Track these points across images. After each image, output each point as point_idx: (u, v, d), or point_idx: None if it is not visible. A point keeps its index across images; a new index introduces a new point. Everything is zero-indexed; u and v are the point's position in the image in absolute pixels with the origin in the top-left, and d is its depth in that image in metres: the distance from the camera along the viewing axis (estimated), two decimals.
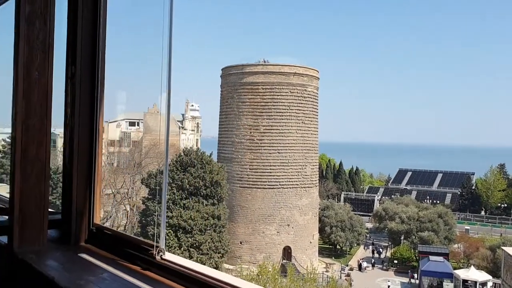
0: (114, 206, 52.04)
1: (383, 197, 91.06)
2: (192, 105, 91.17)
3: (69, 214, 2.79)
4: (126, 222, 53.63)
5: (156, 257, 2.27)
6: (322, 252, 58.88)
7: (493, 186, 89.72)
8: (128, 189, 53.55)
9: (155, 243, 2.28)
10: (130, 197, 53.21)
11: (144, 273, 2.29)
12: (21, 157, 2.57)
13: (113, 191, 52.15)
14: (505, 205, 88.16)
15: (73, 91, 2.75)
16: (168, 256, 2.30)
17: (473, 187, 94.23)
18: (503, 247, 29.29)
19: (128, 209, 53.71)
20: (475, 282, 42.91)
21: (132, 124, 78.66)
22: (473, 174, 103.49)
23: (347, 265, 54.99)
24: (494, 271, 45.22)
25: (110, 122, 73.70)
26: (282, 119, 50.78)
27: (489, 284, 43.76)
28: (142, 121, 77.85)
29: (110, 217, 52.81)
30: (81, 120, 2.77)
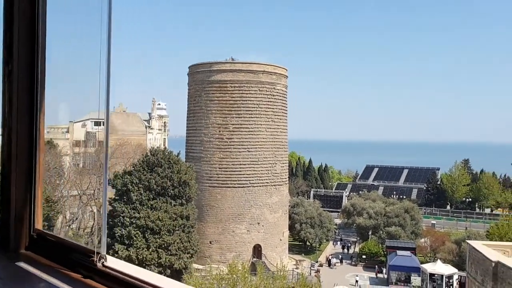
0: (81, 208, 50.88)
1: (351, 193, 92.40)
2: (159, 104, 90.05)
3: (7, 219, 2.61)
4: (93, 224, 52.53)
5: (98, 264, 2.14)
6: (292, 249, 59.21)
7: (458, 181, 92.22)
8: (94, 190, 52.44)
9: (95, 249, 2.15)
10: (96, 198, 52.14)
11: (85, 282, 2.15)
12: None
13: (79, 192, 50.95)
14: (470, 199, 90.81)
15: (10, 90, 2.58)
16: (111, 262, 2.17)
17: (439, 182, 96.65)
18: (468, 241, 30.11)
19: (95, 210, 52.63)
20: (442, 276, 44.02)
21: (97, 123, 77.01)
22: (438, 169, 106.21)
23: (317, 262, 55.50)
24: (459, 264, 46.44)
25: (75, 122, 71.94)
26: (252, 117, 50.73)
27: (455, 277, 44.94)
28: None
29: (76, 219, 51.64)
30: (20, 119, 2.60)
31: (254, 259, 49.56)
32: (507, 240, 43.87)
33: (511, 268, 20.78)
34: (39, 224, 2.69)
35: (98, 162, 58.65)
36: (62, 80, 3.06)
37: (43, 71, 2.66)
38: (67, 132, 70.00)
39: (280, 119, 53.48)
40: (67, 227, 48.75)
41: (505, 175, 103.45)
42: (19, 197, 2.63)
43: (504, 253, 25.34)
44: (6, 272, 2.31)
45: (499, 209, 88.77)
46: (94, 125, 75.84)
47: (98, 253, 2.15)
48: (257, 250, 50.94)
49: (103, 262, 2.14)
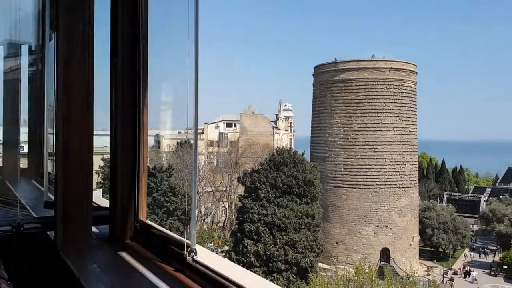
0: (214, 203, 53.98)
1: (490, 198, 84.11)
2: (286, 105, 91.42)
3: (114, 211, 2.70)
4: (225, 219, 55.35)
5: (188, 257, 2.08)
6: (423, 254, 55.80)
7: None
8: (226, 187, 55.27)
9: (185, 243, 2.09)
10: (228, 195, 54.89)
11: (176, 276, 2.11)
12: (63, 152, 2.53)
13: (212, 188, 54.14)
14: None
15: (116, 83, 2.67)
16: (201, 256, 2.10)
17: None
18: None
19: (227, 206, 55.41)
20: None
21: (229, 125, 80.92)
22: None
23: (450, 269, 51.54)
24: None
25: (209, 124, 76.61)
26: (378, 116, 48.88)
27: None
28: (238, 122, 79.79)
29: (210, 213, 54.89)
30: (125, 112, 2.68)
31: (382, 262, 47.72)
32: None
33: None
34: (143, 216, 2.75)
35: (229, 161, 61.70)
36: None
37: (145, 65, 2.71)
38: (202, 133, 74.73)
39: (409, 117, 50.67)
40: (202, 221, 52.05)
41: None
42: (125, 190, 2.71)
43: None
44: (107, 261, 2.38)
45: None
46: (226, 127, 79.88)
47: (188, 246, 2.09)
48: (385, 254, 48.95)
49: (193, 256, 2.08)
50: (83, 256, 2.40)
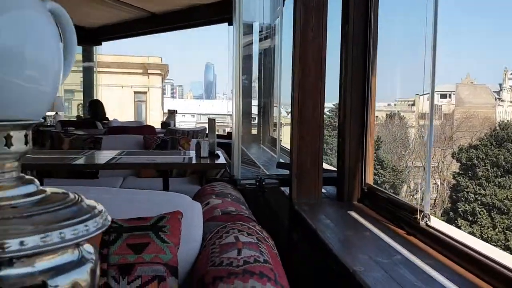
0: (424, 179, 51.47)
1: None
2: None
3: (342, 173, 2.85)
4: (436, 196, 52.41)
5: (421, 222, 2.09)
6: None
7: None
8: (438, 163, 52.02)
9: (419, 208, 2.10)
10: (440, 171, 51.60)
11: (407, 238, 2.14)
12: (298, 116, 2.76)
13: (423, 164, 51.60)
14: None
15: (346, 51, 2.77)
16: (434, 223, 2.08)
17: None
18: None
19: (439, 183, 52.27)
20: None
21: (443, 96, 75.20)
22: None
23: None
24: None
25: (421, 95, 72.60)
26: None
27: None
28: (453, 93, 73.58)
29: (420, 189, 52.69)
30: (354, 79, 2.77)
31: None
32: None
33: None
34: (369, 180, 2.83)
35: (443, 135, 57.73)
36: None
37: (375, 34, 2.74)
38: (413, 105, 71.41)
39: None
40: (411, 196, 50.31)
41: None
42: (353, 154, 2.83)
43: None
44: (338, 218, 2.54)
45: None
46: (440, 98, 74.57)
47: (421, 211, 2.09)
48: None
49: (426, 221, 2.08)
50: (315, 211, 2.62)
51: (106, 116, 7.58)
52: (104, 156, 3.79)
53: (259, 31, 5.93)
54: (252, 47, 5.96)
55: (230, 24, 6.46)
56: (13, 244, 0.50)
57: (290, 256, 2.68)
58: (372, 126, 2.81)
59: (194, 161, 3.73)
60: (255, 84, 6.48)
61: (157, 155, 4.12)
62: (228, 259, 1.48)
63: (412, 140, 55.50)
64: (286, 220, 2.99)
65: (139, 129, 5.95)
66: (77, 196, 0.65)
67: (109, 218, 0.63)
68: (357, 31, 2.73)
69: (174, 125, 7.81)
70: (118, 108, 17.90)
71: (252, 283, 1.33)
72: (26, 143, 0.61)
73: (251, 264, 1.44)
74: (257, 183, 2.90)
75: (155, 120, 18.54)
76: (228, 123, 24.90)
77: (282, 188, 3.21)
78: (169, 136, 5.27)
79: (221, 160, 3.71)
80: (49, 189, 0.65)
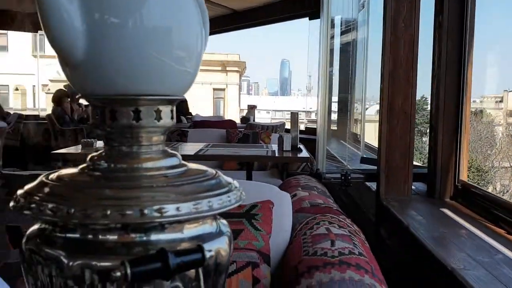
0: None
1: None
2: None
3: (434, 169, 2.74)
4: None
5: None
6: None
7: None
8: None
9: None
10: None
11: (509, 238, 2.02)
12: (388, 109, 2.69)
13: (511, 164, 48.29)
14: None
15: (439, 41, 2.65)
16: None
17: None
18: None
19: None
20: None
21: None
22: None
23: None
24: None
25: (509, 91, 67.85)
26: None
27: None
28: None
29: (507, 191, 49.26)
30: (448, 72, 2.65)
31: None
32: None
33: None
34: (463, 176, 2.70)
35: None
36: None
37: (472, 24, 2.60)
38: (501, 101, 66.96)
39: None
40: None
41: None
42: (446, 150, 2.70)
43: None
44: (430, 215, 2.45)
45: None
46: None
47: None
48: None
49: None
50: (404, 207, 2.54)
51: (190, 111, 7.87)
52: (192, 147, 3.94)
53: (340, 25, 5.85)
54: (333, 42, 5.89)
55: (311, 18, 6.44)
56: (170, 209, 0.54)
57: (377, 251, 2.63)
58: (467, 119, 2.68)
59: (277, 154, 3.77)
60: (335, 80, 6.40)
61: (240, 147, 4.21)
62: (322, 249, 1.48)
63: (500, 139, 52.09)
64: (371, 215, 2.93)
65: (221, 123, 6.11)
66: (214, 171, 0.69)
67: (244, 193, 0.66)
68: (452, 21, 2.60)
69: (254, 120, 7.93)
70: (198, 104, 18.48)
71: (349, 274, 1.32)
72: (172, 117, 0.65)
73: (346, 255, 1.43)
74: (343, 177, 2.87)
75: (232, 116, 18.94)
76: (303, 119, 24.80)
77: (367, 183, 3.15)
78: (250, 130, 5.36)
79: (304, 153, 3.71)
80: (188, 164, 0.69)
